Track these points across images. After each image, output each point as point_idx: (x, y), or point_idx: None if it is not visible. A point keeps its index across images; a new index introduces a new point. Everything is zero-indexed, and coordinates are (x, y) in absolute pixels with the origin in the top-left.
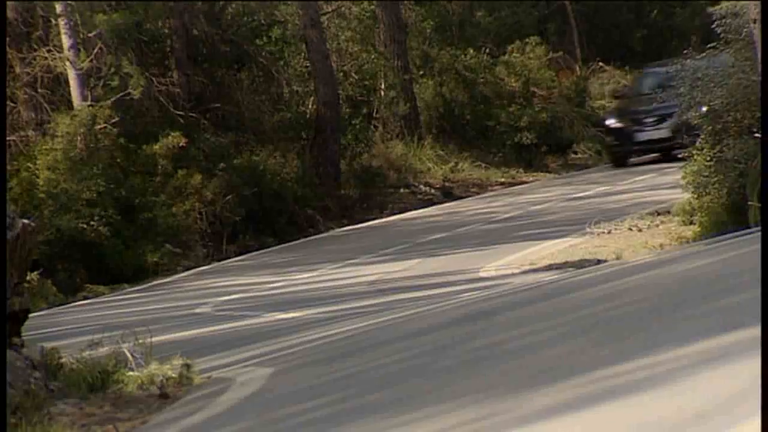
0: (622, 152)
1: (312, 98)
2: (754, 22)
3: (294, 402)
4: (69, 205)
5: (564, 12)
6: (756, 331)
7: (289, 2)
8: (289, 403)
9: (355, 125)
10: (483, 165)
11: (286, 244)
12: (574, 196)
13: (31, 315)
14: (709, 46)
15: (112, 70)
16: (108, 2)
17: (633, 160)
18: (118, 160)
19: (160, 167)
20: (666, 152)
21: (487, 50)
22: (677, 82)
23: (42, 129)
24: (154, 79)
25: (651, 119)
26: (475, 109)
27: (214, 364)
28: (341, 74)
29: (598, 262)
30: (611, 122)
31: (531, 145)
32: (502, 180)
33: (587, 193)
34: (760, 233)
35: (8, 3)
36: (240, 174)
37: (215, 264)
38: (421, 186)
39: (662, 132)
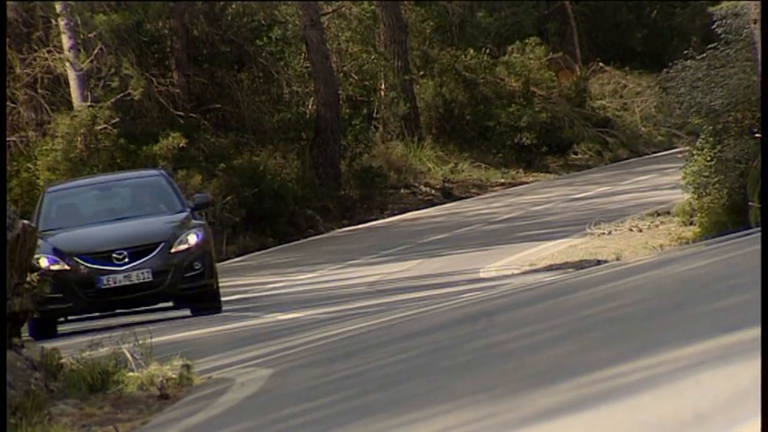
0: (62, 310)
1: (312, 99)
2: (755, 23)
3: (294, 402)
4: None
5: (564, 12)
6: (756, 332)
7: (289, 2)
8: (290, 403)
9: (356, 126)
10: (483, 165)
11: (287, 245)
12: (575, 196)
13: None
14: (709, 46)
15: (112, 70)
16: (108, 2)
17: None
18: (118, 161)
19: (160, 168)
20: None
21: (488, 50)
22: None
23: (42, 129)
24: (154, 79)
25: (121, 253)
26: (475, 110)
27: (214, 364)
28: (341, 75)
29: (598, 262)
30: (50, 262)
31: (531, 145)
32: (502, 180)
33: (588, 193)
34: (760, 234)
35: (8, 3)
36: (240, 175)
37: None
38: (422, 186)
39: (141, 274)
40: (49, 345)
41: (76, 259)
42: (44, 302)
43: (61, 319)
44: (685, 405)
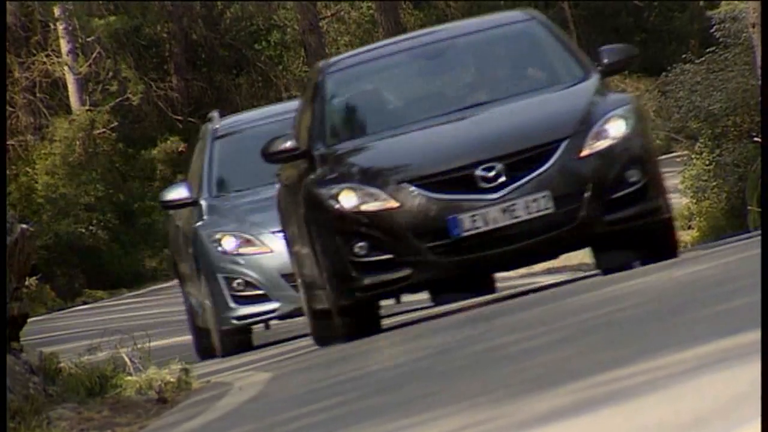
0: (392, 283)
1: None
2: (753, 27)
3: (293, 406)
4: (67, 210)
5: (563, 15)
6: (755, 336)
7: (287, 7)
8: (288, 407)
9: None
10: None
11: None
12: None
13: (30, 320)
14: (708, 50)
15: (111, 74)
16: (106, 6)
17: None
18: (117, 165)
19: (158, 172)
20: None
21: None
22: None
23: (40, 133)
24: (152, 83)
25: (491, 169)
26: None
27: (212, 368)
28: None
29: None
30: (359, 200)
31: None
32: None
33: None
34: (759, 238)
35: (7, 8)
36: None
37: None
38: None
39: (532, 203)
40: (47, 349)
41: (408, 188)
42: (356, 272)
43: (384, 301)
44: (685, 408)
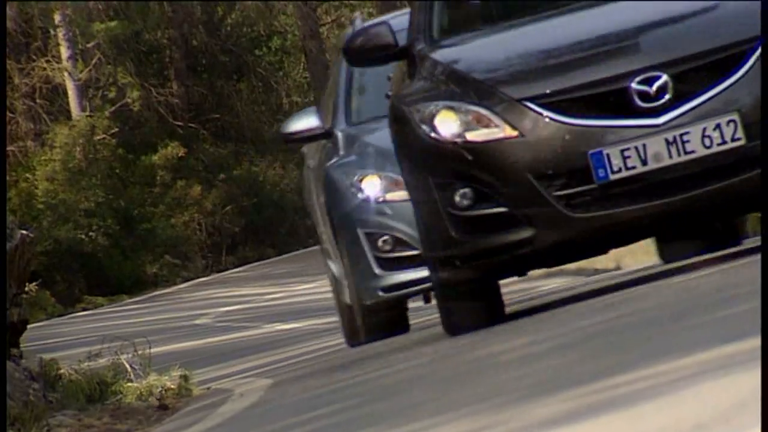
0: (513, 248)
1: None
2: None
3: (294, 413)
4: (67, 216)
5: None
6: (756, 342)
7: (288, 13)
8: (289, 414)
9: None
10: None
11: (286, 255)
12: None
13: (29, 326)
14: None
15: (111, 80)
16: (106, 9)
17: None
18: (117, 171)
19: (158, 178)
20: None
21: None
22: None
23: (40, 139)
24: (152, 89)
25: (654, 81)
26: None
27: (213, 375)
28: None
29: (597, 271)
30: (463, 125)
31: None
32: None
33: None
34: (759, 243)
35: (7, 13)
36: (239, 185)
37: (215, 275)
38: None
39: (714, 132)
40: (47, 356)
41: (532, 109)
42: (457, 232)
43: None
44: (686, 415)
